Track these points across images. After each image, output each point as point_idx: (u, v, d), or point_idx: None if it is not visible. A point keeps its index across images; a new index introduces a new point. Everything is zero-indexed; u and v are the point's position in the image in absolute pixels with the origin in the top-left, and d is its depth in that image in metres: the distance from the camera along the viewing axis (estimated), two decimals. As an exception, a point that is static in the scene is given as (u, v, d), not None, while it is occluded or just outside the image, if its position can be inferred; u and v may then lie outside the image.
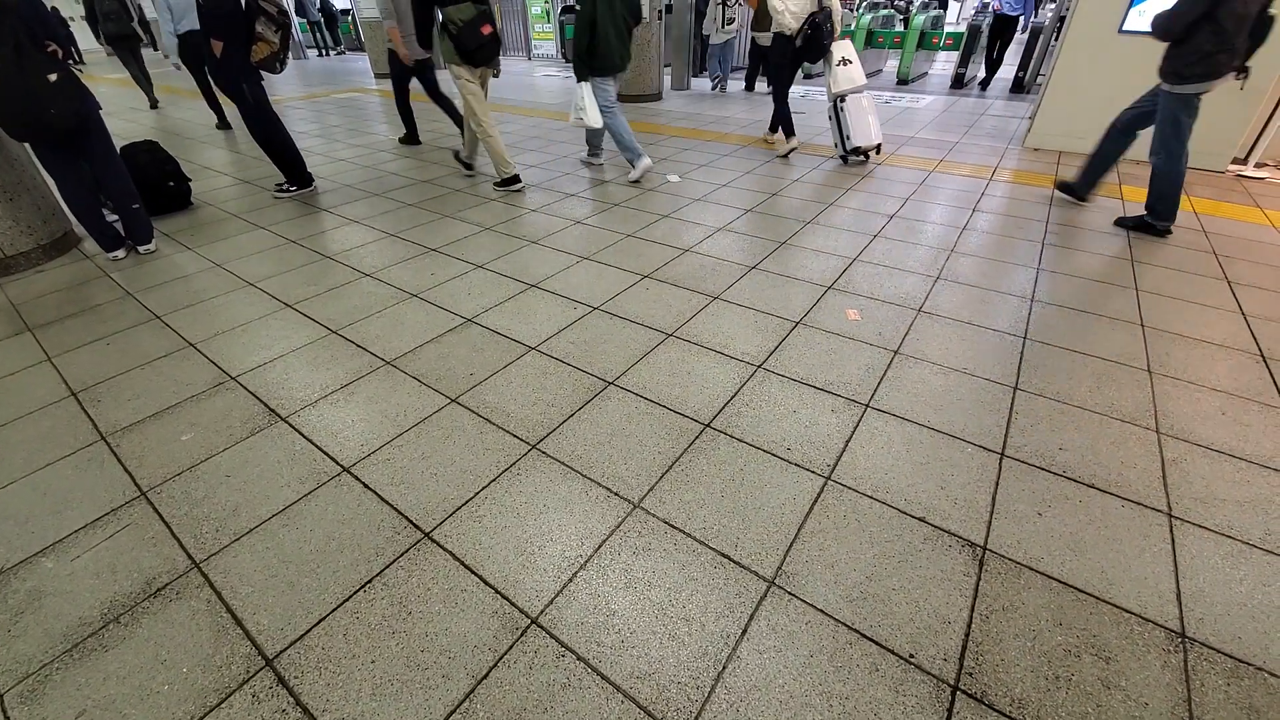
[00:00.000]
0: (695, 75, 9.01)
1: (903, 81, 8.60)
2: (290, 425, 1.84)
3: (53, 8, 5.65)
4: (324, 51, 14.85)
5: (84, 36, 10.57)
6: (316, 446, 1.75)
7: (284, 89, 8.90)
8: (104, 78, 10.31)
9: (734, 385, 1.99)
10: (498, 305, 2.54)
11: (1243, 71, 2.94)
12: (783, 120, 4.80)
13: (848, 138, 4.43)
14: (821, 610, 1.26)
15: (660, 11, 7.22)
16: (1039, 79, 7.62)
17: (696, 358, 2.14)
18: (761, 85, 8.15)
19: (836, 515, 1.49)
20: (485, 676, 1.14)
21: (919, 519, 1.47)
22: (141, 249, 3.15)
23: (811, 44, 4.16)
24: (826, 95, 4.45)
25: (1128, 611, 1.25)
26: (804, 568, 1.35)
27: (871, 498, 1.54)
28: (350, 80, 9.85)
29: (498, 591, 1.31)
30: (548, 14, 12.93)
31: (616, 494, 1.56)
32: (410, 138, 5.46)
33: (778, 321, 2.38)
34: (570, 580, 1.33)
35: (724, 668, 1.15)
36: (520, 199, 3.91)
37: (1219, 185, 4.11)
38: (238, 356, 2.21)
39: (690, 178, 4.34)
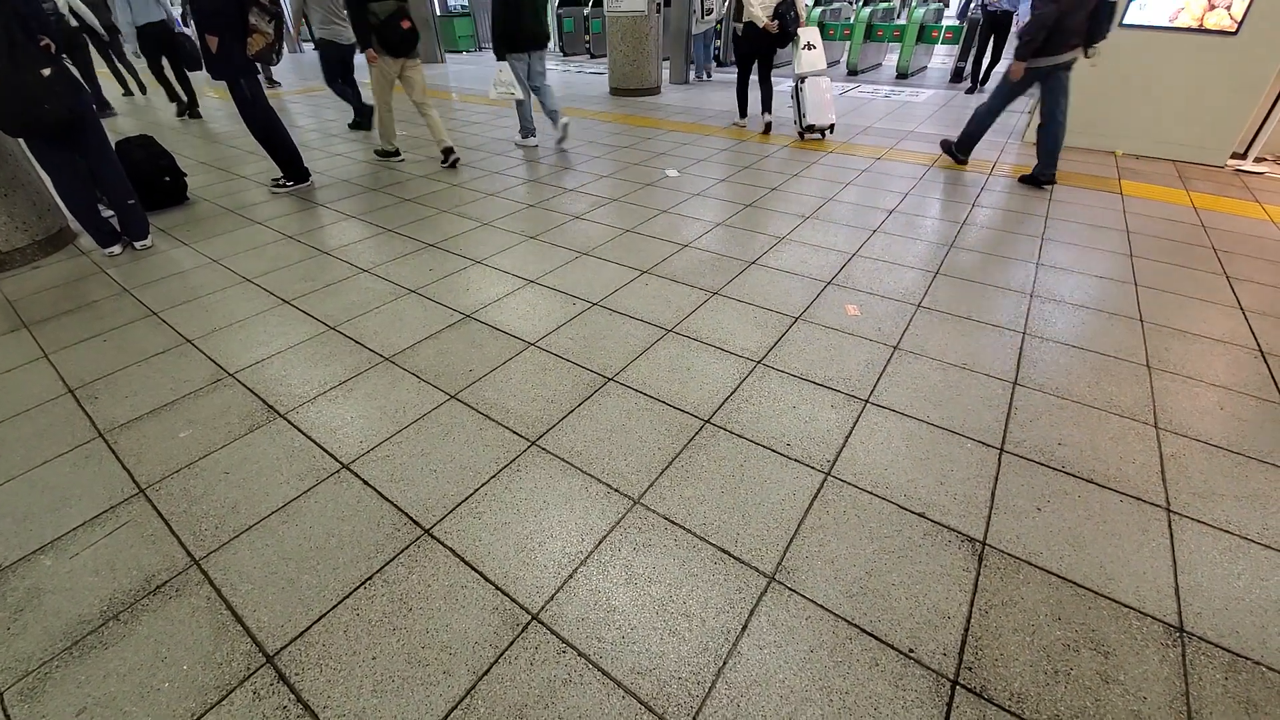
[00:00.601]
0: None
1: (902, 75, 8.56)
2: (289, 422, 1.84)
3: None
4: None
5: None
6: (315, 443, 1.75)
7: (280, 83, 8.84)
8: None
9: (734, 381, 1.99)
10: (496, 301, 2.53)
11: (1088, 51, 3.61)
12: (744, 99, 5.49)
13: (803, 115, 4.96)
14: (821, 605, 1.26)
15: (659, 5, 7.18)
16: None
17: (696, 353, 2.14)
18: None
19: (836, 511, 1.49)
20: (486, 673, 1.14)
21: (919, 514, 1.48)
22: (138, 245, 3.14)
23: (775, 35, 4.70)
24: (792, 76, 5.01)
25: (1126, 606, 1.26)
26: (804, 563, 1.35)
27: (871, 493, 1.54)
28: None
29: (498, 588, 1.31)
30: (547, 7, 12.83)
31: (616, 490, 1.56)
32: (361, 123, 5.73)
33: (777, 317, 2.38)
34: (570, 576, 1.33)
35: (724, 663, 1.15)
36: (520, 197, 3.90)
37: (1218, 180, 4.10)
38: (235, 353, 2.21)
39: (689, 172, 4.32)
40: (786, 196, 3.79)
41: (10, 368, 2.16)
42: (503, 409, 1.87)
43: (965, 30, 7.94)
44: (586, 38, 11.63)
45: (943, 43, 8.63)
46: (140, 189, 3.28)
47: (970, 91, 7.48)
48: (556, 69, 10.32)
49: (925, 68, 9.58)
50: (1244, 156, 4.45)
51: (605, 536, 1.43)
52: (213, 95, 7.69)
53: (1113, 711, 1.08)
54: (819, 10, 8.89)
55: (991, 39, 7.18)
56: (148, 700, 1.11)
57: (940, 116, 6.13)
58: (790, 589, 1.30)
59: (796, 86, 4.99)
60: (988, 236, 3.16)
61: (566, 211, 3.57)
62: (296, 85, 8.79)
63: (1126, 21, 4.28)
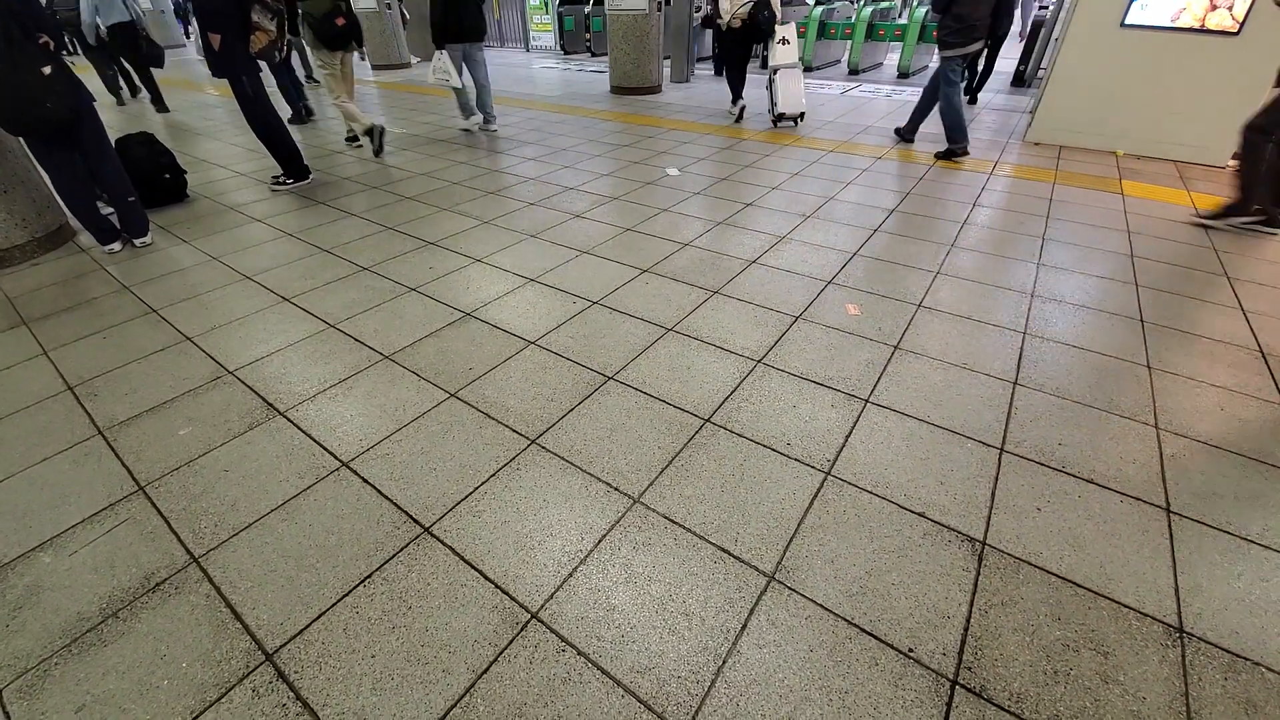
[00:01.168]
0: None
1: (903, 75, 8.56)
2: (288, 420, 1.84)
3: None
4: None
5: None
6: (315, 441, 1.74)
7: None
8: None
9: (734, 380, 1.99)
10: (497, 299, 2.53)
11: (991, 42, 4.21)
12: (732, 89, 5.93)
13: (775, 104, 5.40)
14: (821, 605, 1.26)
15: (660, 3, 7.17)
16: (1040, 73, 7.59)
17: (696, 352, 2.14)
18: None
19: (836, 510, 1.49)
20: (485, 671, 1.14)
21: (918, 514, 1.48)
22: (138, 242, 3.14)
23: (755, 30, 5.24)
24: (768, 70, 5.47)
25: (1126, 606, 1.26)
26: (804, 563, 1.35)
27: (871, 493, 1.54)
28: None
29: (498, 586, 1.31)
30: (546, 4, 12.83)
31: (616, 489, 1.56)
32: (298, 116, 6.01)
33: (778, 316, 2.38)
34: (570, 575, 1.33)
35: (724, 662, 1.15)
36: (518, 196, 3.89)
37: (1219, 180, 4.10)
38: (235, 350, 2.20)
39: (689, 171, 4.32)
40: (788, 195, 3.78)
41: (9, 365, 2.15)
42: (502, 407, 1.87)
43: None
44: (587, 36, 11.61)
45: None
46: (140, 186, 3.28)
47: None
48: (557, 67, 10.31)
49: (927, 67, 9.57)
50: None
51: (605, 535, 1.43)
52: (214, 92, 7.68)
53: (1112, 712, 1.07)
54: (819, 10, 8.90)
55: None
56: (147, 697, 1.11)
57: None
58: (790, 588, 1.30)
59: (770, 79, 5.38)
60: (988, 236, 3.16)
61: (566, 210, 3.56)
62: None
63: (1128, 22, 4.27)
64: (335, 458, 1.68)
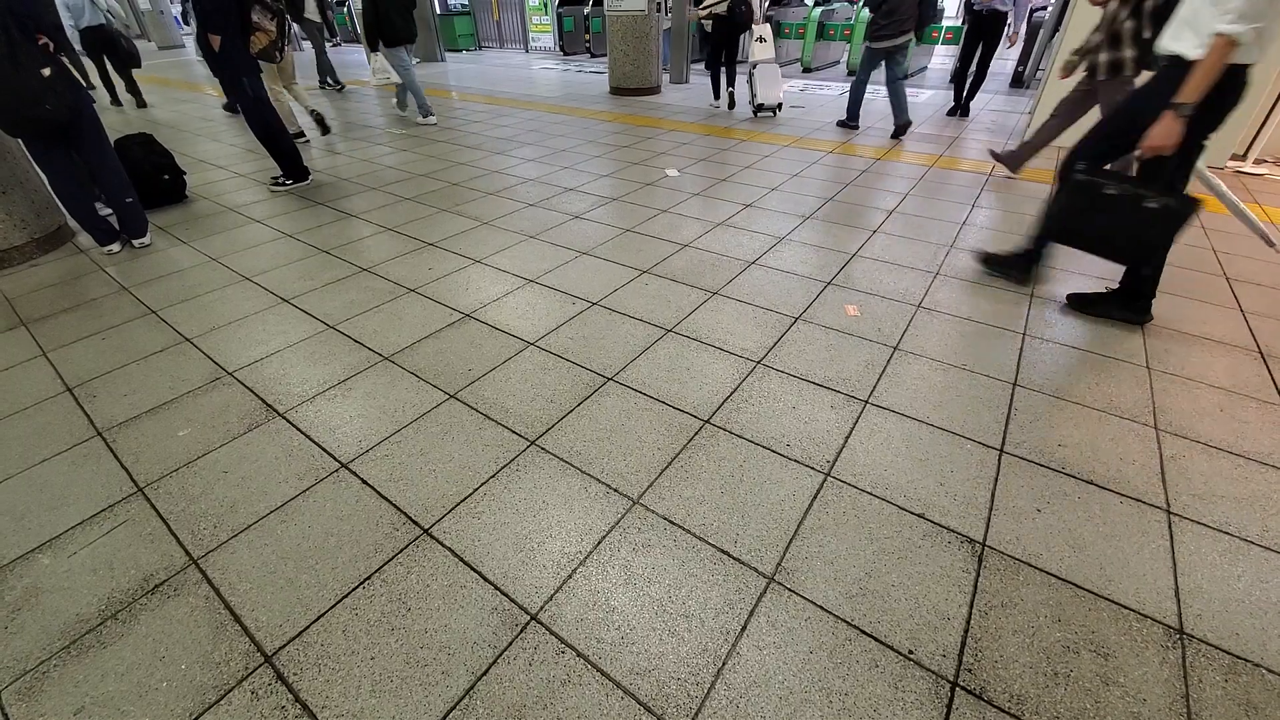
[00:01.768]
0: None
1: (903, 75, 8.58)
2: (287, 421, 1.83)
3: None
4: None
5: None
6: (314, 442, 1.74)
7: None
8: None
9: (733, 381, 1.98)
10: (496, 300, 2.53)
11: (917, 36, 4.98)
12: (713, 83, 6.53)
13: (755, 95, 5.97)
14: (821, 606, 1.26)
15: (659, 4, 7.18)
16: (1039, 73, 7.60)
17: (696, 353, 2.14)
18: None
19: (836, 511, 1.49)
20: (485, 673, 1.14)
21: (918, 515, 1.48)
22: (136, 243, 3.13)
23: (733, 26, 5.82)
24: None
25: (1126, 608, 1.26)
26: (803, 564, 1.35)
27: (871, 494, 1.54)
28: (346, 72, 9.76)
29: (497, 588, 1.31)
30: (546, 5, 12.84)
31: (616, 490, 1.56)
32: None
33: (777, 317, 2.37)
34: (570, 577, 1.33)
35: (724, 664, 1.15)
36: (518, 197, 3.89)
37: (1220, 178, 4.10)
38: (234, 352, 2.20)
39: (689, 172, 4.32)
40: (787, 196, 3.79)
41: (8, 366, 2.15)
42: (502, 408, 1.87)
43: (965, 30, 7.93)
44: (586, 37, 11.62)
45: (943, 43, 8.63)
46: (139, 186, 3.27)
47: (953, 113, 6.15)
48: (556, 68, 10.32)
49: (925, 68, 9.59)
50: (1244, 158, 4.45)
51: (604, 537, 1.42)
52: (213, 93, 7.68)
53: (1112, 713, 1.07)
54: (818, 11, 8.92)
55: (980, 46, 5.75)
56: (146, 700, 1.11)
57: (939, 117, 6.13)
58: (790, 590, 1.29)
59: (750, 73, 5.99)
60: (987, 237, 3.16)
61: (565, 211, 3.56)
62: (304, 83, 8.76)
63: (1127, 22, 4.26)
64: (334, 459, 1.68)
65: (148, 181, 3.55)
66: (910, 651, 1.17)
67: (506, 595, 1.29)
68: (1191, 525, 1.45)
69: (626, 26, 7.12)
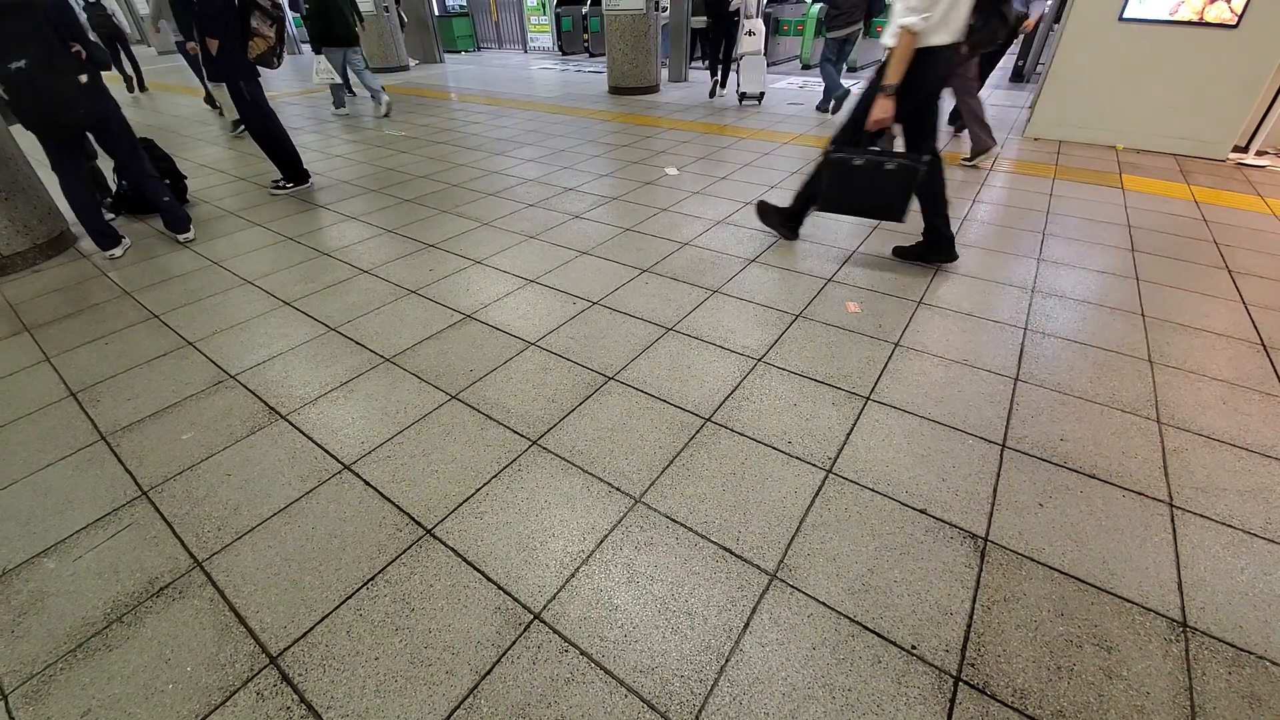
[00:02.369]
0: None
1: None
2: (290, 423, 1.84)
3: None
4: None
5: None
6: (317, 444, 1.75)
7: (279, 84, 8.84)
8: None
9: (734, 379, 1.98)
10: (496, 301, 2.53)
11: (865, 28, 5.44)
12: (710, 71, 7.12)
13: (740, 84, 6.52)
14: (823, 603, 1.26)
15: (658, 2, 7.17)
16: (1039, 68, 7.58)
17: (697, 352, 2.14)
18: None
19: (838, 508, 1.49)
20: (489, 672, 1.15)
21: (920, 511, 1.48)
22: (180, 237, 3.25)
23: (723, 16, 6.43)
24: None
25: (1129, 601, 1.25)
26: (806, 561, 1.35)
27: (873, 490, 1.54)
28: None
29: (500, 587, 1.31)
30: (544, 5, 12.83)
31: (618, 489, 1.56)
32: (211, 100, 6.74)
33: (778, 314, 2.37)
34: (572, 576, 1.33)
35: (727, 661, 1.15)
36: (518, 197, 3.90)
37: (1219, 174, 4.09)
38: (236, 355, 2.21)
39: (688, 170, 4.32)
40: (788, 193, 3.77)
41: (12, 371, 2.16)
42: (503, 409, 1.87)
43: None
44: (585, 36, 11.62)
45: None
46: (140, 192, 3.29)
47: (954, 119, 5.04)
48: (555, 68, 10.32)
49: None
50: (1245, 150, 4.43)
51: (607, 535, 1.43)
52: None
53: (1116, 707, 1.07)
54: (817, 7, 8.90)
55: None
56: (152, 702, 1.12)
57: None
58: (792, 586, 1.30)
59: (736, 64, 6.50)
60: (989, 232, 3.15)
61: (565, 211, 3.56)
62: (297, 87, 8.79)
63: (1126, 15, 4.26)
64: (337, 461, 1.68)
65: (149, 186, 3.56)
66: (913, 647, 1.18)
67: (509, 595, 1.29)
68: (1194, 518, 1.45)
69: (625, 26, 7.12)
